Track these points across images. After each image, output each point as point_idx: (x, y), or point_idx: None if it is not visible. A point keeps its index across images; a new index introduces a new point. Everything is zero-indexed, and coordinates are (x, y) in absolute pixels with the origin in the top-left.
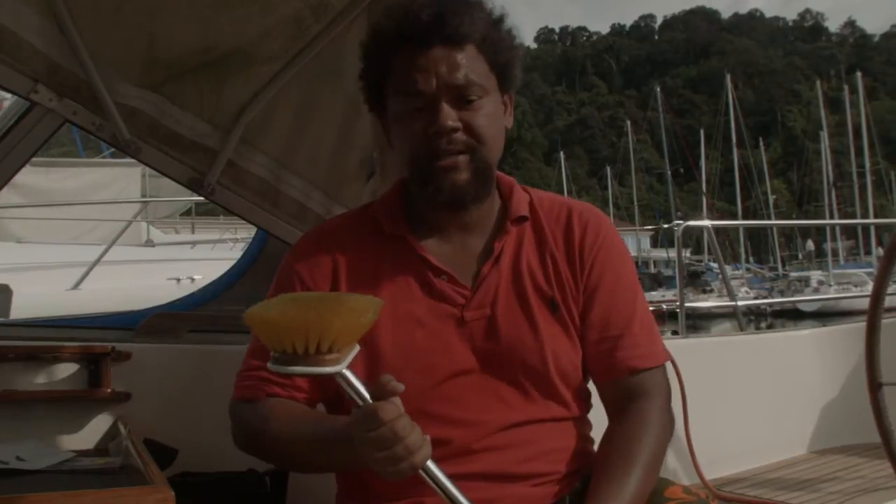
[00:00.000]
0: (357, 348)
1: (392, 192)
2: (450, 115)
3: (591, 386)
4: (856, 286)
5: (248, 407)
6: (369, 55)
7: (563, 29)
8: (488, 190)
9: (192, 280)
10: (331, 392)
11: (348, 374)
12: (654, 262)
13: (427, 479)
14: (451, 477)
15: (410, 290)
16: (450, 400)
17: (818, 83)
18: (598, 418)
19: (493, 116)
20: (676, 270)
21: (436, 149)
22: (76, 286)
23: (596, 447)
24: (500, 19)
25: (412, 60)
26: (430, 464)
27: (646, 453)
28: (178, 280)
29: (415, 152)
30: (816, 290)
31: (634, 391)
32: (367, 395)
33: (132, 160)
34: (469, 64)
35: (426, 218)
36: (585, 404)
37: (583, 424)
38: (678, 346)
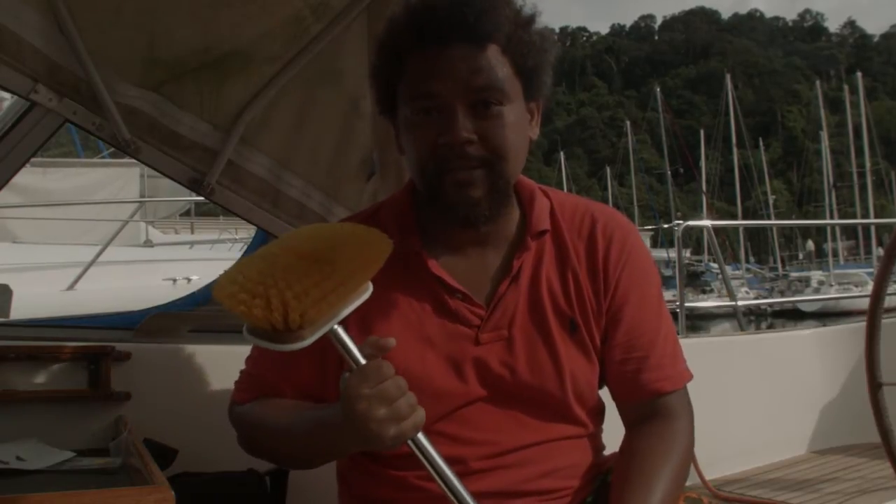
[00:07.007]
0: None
1: (402, 198)
2: (464, 126)
3: (604, 393)
4: (856, 286)
5: (243, 408)
6: (383, 52)
7: (563, 29)
8: (505, 207)
9: (189, 280)
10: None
11: (341, 331)
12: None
13: (415, 449)
14: None
15: (422, 310)
16: (463, 421)
17: (818, 83)
18: (610, 424)
19: (514, 127)
20: (676, 270)
21: (447, 162)
22: (71, 287)
23: (607, 451)
24: (531, 19)
25: (428, 59)
26: (422, 436)
27: (671, 470)
28: (175, 280)
29: (424, 162)
30: (817, 291)
31: (659, 412)
32: (359, 357)
33: (130, 160)
34: (491, 66)
35: (438, 232)
36: (599, 418)
37: (596, 439)
38: None
